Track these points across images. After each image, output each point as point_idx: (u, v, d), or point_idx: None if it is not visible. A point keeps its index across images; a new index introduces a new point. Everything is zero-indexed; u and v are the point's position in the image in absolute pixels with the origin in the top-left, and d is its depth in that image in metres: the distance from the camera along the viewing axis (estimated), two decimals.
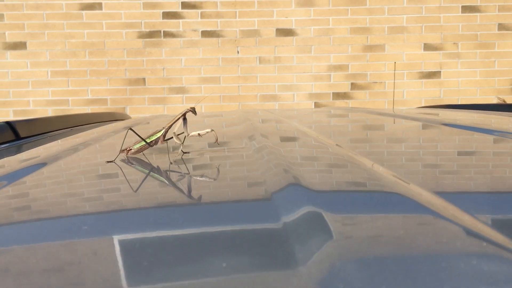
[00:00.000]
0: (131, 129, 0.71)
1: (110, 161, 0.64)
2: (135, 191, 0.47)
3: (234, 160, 0.61)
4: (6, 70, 3.28)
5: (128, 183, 0.52)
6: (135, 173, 0.59)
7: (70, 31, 3.27)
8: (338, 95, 3.40)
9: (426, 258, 0.25)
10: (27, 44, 3.27)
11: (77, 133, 1.01)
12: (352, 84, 3.41)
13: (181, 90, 3.33)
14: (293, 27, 3.34)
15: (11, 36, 3.26)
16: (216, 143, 0.70)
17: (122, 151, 0.70)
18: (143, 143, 0.70)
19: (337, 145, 0.67)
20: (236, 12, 3.31)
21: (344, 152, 0.60)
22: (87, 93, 3.32)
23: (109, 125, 1.21)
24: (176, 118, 0.72)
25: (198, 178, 0.52)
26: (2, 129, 0.89)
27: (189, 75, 3.32)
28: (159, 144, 0.72)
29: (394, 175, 0.44)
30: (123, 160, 0.64)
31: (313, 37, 3.35)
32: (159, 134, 0.71)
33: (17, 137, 0.92)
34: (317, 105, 3.38)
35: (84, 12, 3.26)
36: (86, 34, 3.28)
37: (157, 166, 0.61)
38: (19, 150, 0.80)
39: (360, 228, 0.30)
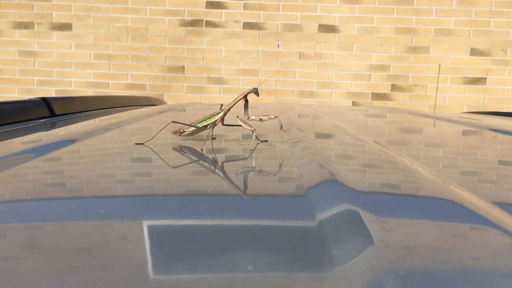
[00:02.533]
0: (174, 121, 0.67)
1: (139, 143, 0.61)
2: (166, 177, 0.46)
3: (269, 154, 0.59)
4: (51, 50, 3.36)
5: (157, 168, 0.51)
6: (169, 158, 0.58)
7: (115, 15, 3.32)
8: (377, 96, 3.34)
9: (470, 273, 0.23)
10: (73, 26, 3.34)
11: (111, 114, 1.01)
12: (392, 85, 3.34)
13: (219, 81, 3.33)
14: (336, 23, 3.28)
15: (57, 17, 3.33)
16: (282, 130, 0.65)
17: (174, 132, 0.66)
18: (199, 125, 0.66)
19: (375, 142, 0.65)
20: (279, 5, 3.28)
21: (382, 150, 0.58)
22: (127, 77, 3.36)
23: (145, 108, 1.22)
24: (237, 99, 0.67)
25: (233, 169, 0.51)
26: (38, 105, 0.90)
27: (228, 66, 3.32)
28: (218, 127, 0.67)
29: (434, 175, 0.41)
30: (156, 144, 0.63)
31: (356, 35, 3.29)
32: (217, 117, 0.66)
33: (52, 114, 0.93)
34: (354, 104, 3.32)
35: None
36: (130, 19, 3.32)
37: (193, 153, 0.60)
38: (52, 126, 0.81)
39: (400, 233, 0.28)
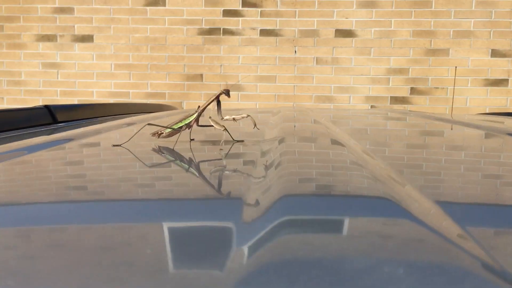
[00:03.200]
0: (150, 123, 0.69)
1: (117, 145, 0.63)
2: (144, 179, 0.47)
3: (234, 153, 0.60)
4: (74, 62, 3.44)
5: (132, 168, 0.53)
6: (144, 158, 0.59)
7: (134, 26, 3.39)
8: (396, 99, 3.31)
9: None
10: (94, 37, 3.42)
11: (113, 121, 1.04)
12: (411, 88, 3.30)
13: (237, 88, 3.36)
14: (353, 28, 3.28)
15: (79, 29, 3.42)
16: (255, 128, 0.67)
17: (153, 134, 0.69)
18: (175, 127, 0.68)
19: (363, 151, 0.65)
20: (295, 11, 3.29)
21: (355, 154, 0.57)
22: (147, 86, 3.42)
23: (139, 116, 1.24)
24: (209, 101, 0.70)
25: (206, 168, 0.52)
26: (41, 113, 0.94)
27: (246, 73, 3.35)
28: (193, 128, 0.69)
29: (391, 177, 0.41)
30: (134, 145, 0.64)
31: (373, 39, 3.27)
32: (191, 118, 0.68)
33: (55, 121, 0.96)
34: (373, 108, 3.30)
35: (148, 8, 3.36)
36: (149, 30, 3.38)
37: (177, 155, 0.61)
38: (52, 132, 0.84)
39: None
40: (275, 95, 3.34)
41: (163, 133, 0.68)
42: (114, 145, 0.63)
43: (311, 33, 3.30)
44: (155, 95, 3.42)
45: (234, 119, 0.68)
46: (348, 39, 3.28)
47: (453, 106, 3.23)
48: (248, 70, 3.34)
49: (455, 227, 0.28)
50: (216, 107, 0.69)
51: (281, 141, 0.64)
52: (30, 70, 3.48)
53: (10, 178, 0.45)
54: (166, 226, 0.29)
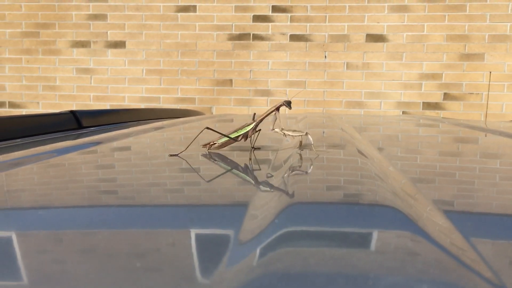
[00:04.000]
0: (208, 127, 0.67)
1: (174, 155, 0.61)
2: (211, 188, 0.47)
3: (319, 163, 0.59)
4: (106, 67, 3.51)
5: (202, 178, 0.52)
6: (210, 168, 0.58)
7: (165, 32, 3.43)
8: (429, 105, 3.24)
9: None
10: (126, 43, 3.48)
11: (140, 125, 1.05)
12: (445, 94, 3.23)
13: (266, 93, 3.36)
14: (385, 32, 3.23)
15: (112, 35, 3.48)
16: (314, 150, 0.62)
17: (204, 145, 0.66)
18: (231, 136, 0.66)
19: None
20: (326, 16, 3.27)
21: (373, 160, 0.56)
22: (177, 91, 3.46)
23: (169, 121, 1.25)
24: (269, 111, 0.66)
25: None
26: (67, 118, 0.95)
27: (275, 78, 3.34)
28: (248, 139, 0.67)
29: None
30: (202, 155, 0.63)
31: (405, 43, 3.22)
32: (248, 128, 0.66)
33: (80, 126, 0.97)
34: (405, 114, 3.24)
35: (179, 14, 3.40)
36: (179, 35, 3.42)
37: (230, 163, 0.60)
38: (78, 136, 0.85)
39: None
40: (305, 100, 3.32)
41: (215, 143, 0.66)
42: (171, 155, 0.61)
43: (342, 38, 3.27)
44: (185, 100, 3.45)
45: (293, 136, 0.66)
46: (379, 44, 3.24)
47: (488, 112, 3.14)
48: (278, 75, 3.34)
49: (462, 243, 0.26)
50: (275, 118, 0.66)
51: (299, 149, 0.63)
52: (64, 75, 3.57)
53: (40, 181, 0.46)
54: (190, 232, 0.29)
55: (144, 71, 3.48)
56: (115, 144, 0.72)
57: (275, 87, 3.34)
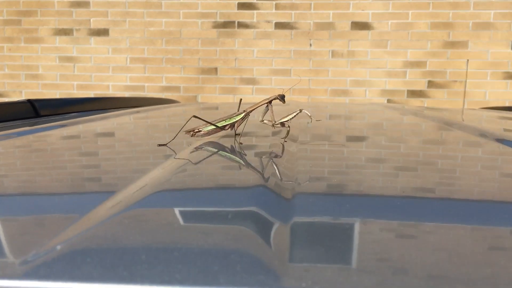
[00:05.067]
0: (195, 116, 0.64)
1: (162, 145, 0.60)
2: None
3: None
4: (90, 55, 3.47)
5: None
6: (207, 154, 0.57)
7: (149, 20, 3.39)
8: (413, 93, 3.26)
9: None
10: (110, 31, 3.43)
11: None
12: (429, 82, 3.25)
13: (251, 81, 3.34)
14: (370, 20, 3.23)
15: (95, 23, 3.44)
16: (315, 120, 0.62)
17: (187, 132, 0.65)
18: (217, 125, 0.64)
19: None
20: (311, 4, 3.25)
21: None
22: (162, 80, 3.43)
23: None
24: (260, 103, 0.65)
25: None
26: (24, 107, 0.94)
27: (260, 67, 3.33)
28: (234, 129, 0.65)
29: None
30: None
31: (390, 31, 3.22)
32: (237, 118, 0.64)
33: (37, 115, 0.96)
34: (390, 102, 3.25)
35: (163, 1, 3.36)
36: (164, 23, 3.38)
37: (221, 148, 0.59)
38: (33, 124, 0.84)
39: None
40: (290, 88, 3.31)
41: (200, 131, 0.64)
42: (159, 145, 0.59)
43: (327, 26, 3.26)
44: (170, 89, 3.42)
45: (290, 120, 0.63)
46: (364, 32, 3.24)
47: (471, 100, 3.17)
48: (263, 63, 3.32)
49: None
50: (267, 111, 0.64)
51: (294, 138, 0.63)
52: (47, 64, 3.52)
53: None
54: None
55: (128, 59, 3.44)
56: (64, 131, 0.71)
57: (260, 75, 3.33)
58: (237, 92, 3.36)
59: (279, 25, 3.29)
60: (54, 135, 0.69)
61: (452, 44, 3.20)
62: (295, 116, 0.63)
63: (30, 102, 0.97)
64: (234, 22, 3.33)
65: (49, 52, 3.51)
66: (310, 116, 0.62)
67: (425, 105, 3.17)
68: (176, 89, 3.42)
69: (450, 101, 3.23)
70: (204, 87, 3.40)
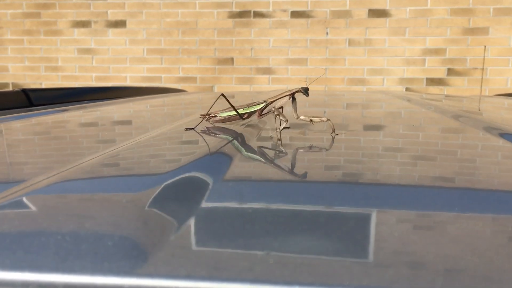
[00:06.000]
0: (223, 95, 0.62)
1: (190, 129, 0.59)
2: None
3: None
4: (107, 47, 3.50)
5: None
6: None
7: (166, 11, 3.40)
8: (432, 81, 3.20)
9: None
10: (127, 23, 3.45)
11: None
12: (449, 69, 3.19)
13: (267, 71, 3.33)
14: (387, 7, 3.18)
15: (112, 15, 3.46)
16: (333, 133, 0.57)
17: (202, 115, 0.63)
18: (232, 112, 0.62)
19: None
20: None
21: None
22: (179, 71, 3.44)
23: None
24: (282, 95, 0.61)
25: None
26: (17, 96, 0.95)
27: (276, 56, 3.31)
28: (253, 119, 0.62)
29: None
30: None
31: (408, 18, 3.17)
32: (256, 108, 0.61)
33: (31, 104, 0.97)
34: (408, 90, 3.21)
35: None
36: (180, 14, 3.38)
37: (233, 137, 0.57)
38: (26, 115, 0.85)
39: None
40: (307, 78, 3.29)
41: (216, 116, 0.62)
42: (186, 129, 0.59)
43: (343, 14, 3.22)
44: (187, 80, 3.44)
45: (311, 120, 0.59)
46: (381, 19, 3.19)
47: (492, 87, 3.10)
48: (279, 53, 3.30)
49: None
50: (290, 104, 0.60)
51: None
52: (66, 56, 3.56)
53: None
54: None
55: (145, 50, 3.46)
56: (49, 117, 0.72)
57: (276, 65, 3.32)
58: (254, 82, 3.36)
59: (295, 14, 3.26)
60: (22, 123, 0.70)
61: (472, 31, 3.13)
62: (319, 121, 0.59)
63: (24, 91, 0.98)
64: (249, 11, 3.31)
65: (68, 44, 3.55)
66: (333, 128, 0.57)
67: (445, 93, 3.12)
68: (193, 79, 3.43)
69: (470, 89, 3.17)
70: (221, 78, 3.40)
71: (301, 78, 3.28)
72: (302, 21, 3.26)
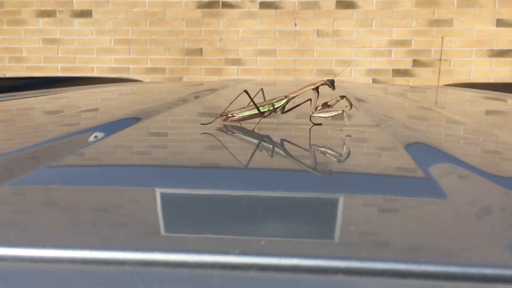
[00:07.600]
0: (246, 91, 0.57)
1: (204, 124, 0.58)
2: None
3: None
4: (73, 37, 3.43)
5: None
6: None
7: (133, 0, 3.35)
8: (398, 72, 3.26)
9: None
10: (93, 12, 3.39)
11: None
12: (414, 60, 3.25)
13: (237, 62, 3.33)
14: None
15: (78, 4, 3.39)
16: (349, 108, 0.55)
17: (220, 115, 0.59)
18: (252, 111, 0.58)
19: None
20: None
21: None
22: (147, 61, 3.41)
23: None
24: (304, 89, 0.58)
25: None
26: None
27: (245, 47, 3.31)
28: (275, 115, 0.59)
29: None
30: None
31: (375, 10, 3.21)
32: (278, 104, 0.58)
33: None
34: (375, 81, 3.26)
35: None
36: (147, 3, 3.34)
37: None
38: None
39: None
40: (275, 69, 3.31)
41: (234, 116, 0.59)
42: (202, 124, 0.58)
43: (312, 5, 3.24)
44: (155, 70, 3.41)
45: (329, 117, 0.56)
46: (349, 11, 3.22)
47: (455, 78, 3.18)
48: (248, 44, 3.30)
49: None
50: (313, 98, 0.58)
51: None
52: (31, 46, 3.48)
53: None
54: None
55: (112, 41, 3.41)
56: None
57: (245, 56, 3.32)
58: (223, 73, 3.35)
59: (264, 5, 3.26)
60: None
61: (437, 22, 3.19)
62: (336, 114, 0.56)
63: None
64: (218, 2, 3.29)
65: (32, 34, 3.47)
66: (345, 125, 0.55)
67: (410, 84, 3.18)
68: (162, 70, 3.40)
69: (435, 79, 3.24)
70: (190, 68, 3.38)
71: (270, 69, 3.29)
72: (270, 12, 3.26)
